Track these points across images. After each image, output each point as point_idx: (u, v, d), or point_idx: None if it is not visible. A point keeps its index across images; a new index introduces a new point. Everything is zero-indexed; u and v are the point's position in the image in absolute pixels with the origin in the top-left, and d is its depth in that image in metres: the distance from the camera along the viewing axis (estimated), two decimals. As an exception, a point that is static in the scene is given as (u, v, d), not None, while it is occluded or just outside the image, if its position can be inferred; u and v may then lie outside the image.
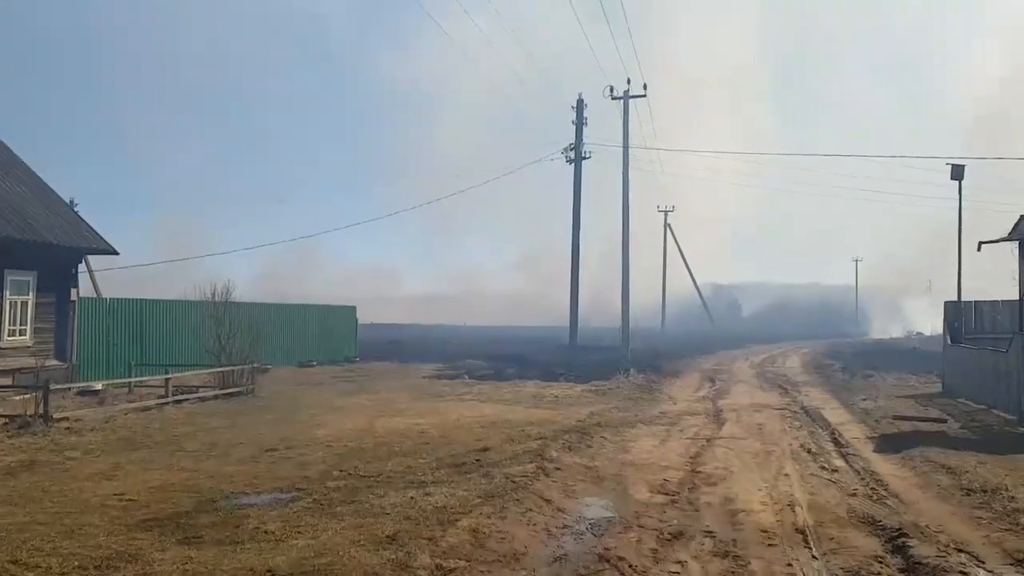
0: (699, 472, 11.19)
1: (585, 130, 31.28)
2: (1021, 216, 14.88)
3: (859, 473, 11.01)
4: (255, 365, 21.80)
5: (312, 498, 9.44)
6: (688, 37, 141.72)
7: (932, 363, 30.78)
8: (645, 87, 35.67)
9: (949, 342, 22.14)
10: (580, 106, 31.00)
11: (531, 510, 8.73)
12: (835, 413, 18.31)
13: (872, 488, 9.91)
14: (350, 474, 11.00)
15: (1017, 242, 15.82)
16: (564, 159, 31.08)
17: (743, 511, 8.89)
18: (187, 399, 19.31)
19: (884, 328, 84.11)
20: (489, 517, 8.22)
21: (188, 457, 12.35)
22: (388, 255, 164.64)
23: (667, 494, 9.88)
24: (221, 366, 21.40)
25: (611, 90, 34.99)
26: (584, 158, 31.01)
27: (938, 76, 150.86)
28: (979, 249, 16.46)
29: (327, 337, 35.40)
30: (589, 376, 25.32)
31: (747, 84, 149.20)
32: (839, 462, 11.96)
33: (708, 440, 14.05)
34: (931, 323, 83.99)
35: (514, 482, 9.95)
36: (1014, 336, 16.61)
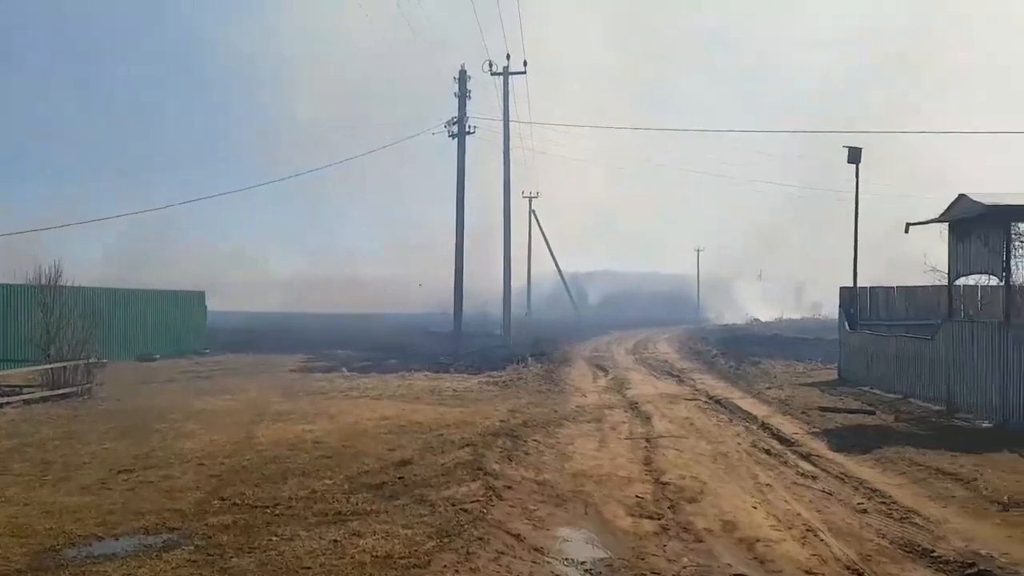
0: (667, 484, 9.52)
1: (469, 104, 29.23)
2: (960, 196, 14.09)
3: (844, 480, 9.68)
4: (91, 360, 18.46)
5: (193, 544, 7.12)
6: (561, 25, 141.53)
7: (806, 349, 31.07)
8: (525, 64, 34.00)
9: (847, 328, 21.72)
10: (463, 77, 28.92)
11: (503, 553, 6.76)
12: (750, 404, 17.26)
13: (880, 503, 8.54)
14: (237, 504, 8.68)
15: (947, 224, 15.11)
16: (447, 134, 28.94)
17: (759, 541, 7.26)
18: (8, 403, 15.92)
19: (721, 314, 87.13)
20: (457, 572, 6.15)
21: (15, 483, 9.60)
22: (252, 237, 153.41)
23: (651, 517, 8.13)
24: (50, 361, 17.99)
25: (490, 65, 33.11)
26: (468, 133, 28.95)
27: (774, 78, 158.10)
28: (907, 231, 15.74)
29: (172, 327, 31.67)
30: (481, 366, 23.46)
31: (615, 74, 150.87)
32: (807, 466, 10.64)
33: (648, 440, 12.48)
34: (765, 309, 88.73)
35: (465, 511, 7.91)
36: (941, 323, 16.03)
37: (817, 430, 13.53)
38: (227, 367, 25.86)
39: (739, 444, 12.25)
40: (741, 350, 31.44)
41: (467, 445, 11.34)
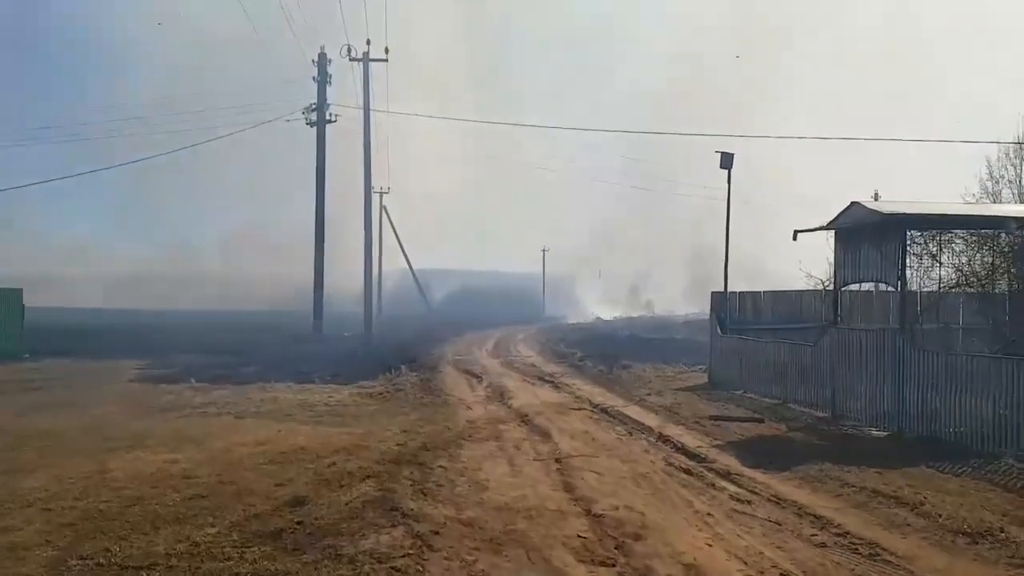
0: (602, 516, 8.68)
1: (330, 90, 27.42)
2: (853, 203, 14.16)
3: (782, 506, 9.20)
4: None
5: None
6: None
7: (669, 352, 31.48)
8: (387, 51, 32.54)
9: (719, 332, 21.85)
10: (323, 61, 27.08)
11: (462, 628, 5.61)
12: (638, 413, 16.86)
13: (836, 534, 8.06)
14: (102, 565, 7.16)
15: (834, 231, 15.21)
16: (305, 121, 27.00)
17: (738, 591, 6.50)
18: None
19: (565, 313, 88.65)
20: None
21: None
22: (89, 229, 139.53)
23: (604, 564, 7.25)
24: None
25: (349, 50, 31.40)
26: (330, 121, 27.15)
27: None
28: (795, 238, 15.77)
29: (-20, 328, 27.90)
30: (351, 374, 21.88)
31: (474, 69, 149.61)
32: (734, 488, 10.13)
33: (559, 461, 11.63)
34: (605, 308, 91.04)
35: (396, 570, 6.71)
36: (826, 328, 16.16)
37: (720, 443, 13.17)
38: (54, 375, 22.84)
39: (652, 462, 11.62)
40: (605, 352, 31.34)
41: (369, 477, 10.05)
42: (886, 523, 8.29)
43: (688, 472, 10.92)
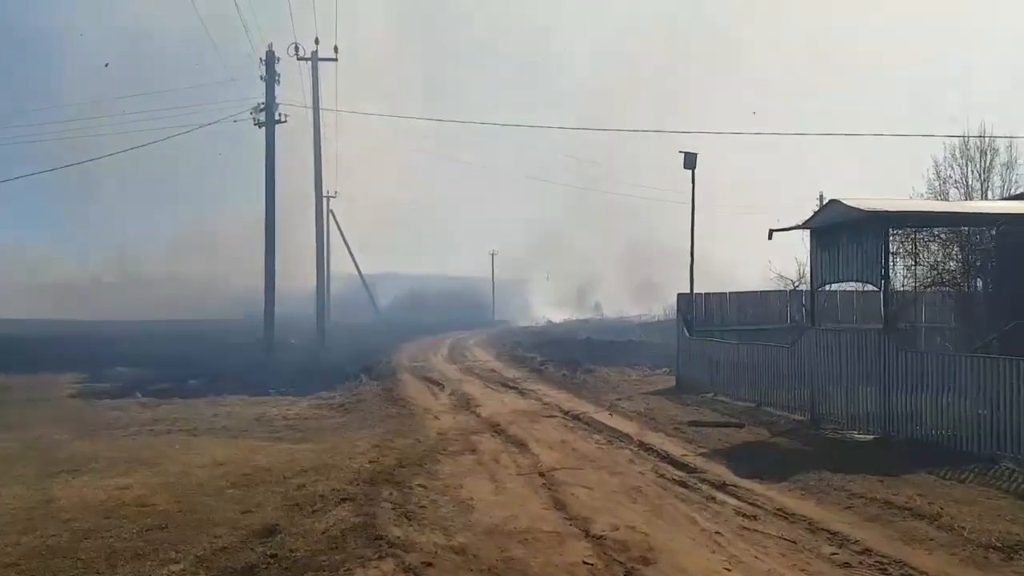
0: (603, 538, 8.05)
1: (279, 90, 26.33)
2: (831, 201, 13.84)
3: (791, 521, 8.67)
4: None
5: None
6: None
7: (630, 354, 31.05)
8: (336, 50, 31.61)
9: (687, 335, 21.46)
10: (270, 59, 26.01)
11: None
12: (611, 419, 16.29)
13: (857, 552, 7.55)
14: (55, 611, 6.24)
15: (809, 231, 14.87)
16: (252, 121, 25.88)
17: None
18: None
19: (515, 317, 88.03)
20: None
21: None
22: (19, 235, 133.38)
23: (619, 595, 6.59)
24: None
25: (297, 48, 30.39)
26: (279, 121, 26.08)
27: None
28: (770, 237, 15.40)
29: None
30: (307, 385, 20.91)
31: (425, 69, 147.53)
32: (736, 501, 9.58)
33: (543, 475, 10.97)
34: (555, 311, 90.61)
35: (394, 611, 5.97)
36: (804, 331, 15.81)
37: (705, 450, 12.66)
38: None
39: (642, 474, 11.05)
40: (565, 356, 30.81)
41: (345, 500, 9.25)
42: (907, 538, 7.81)
43: (683, 484, 10.35)
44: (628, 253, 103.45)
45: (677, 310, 22.52)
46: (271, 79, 25.82)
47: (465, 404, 18.92)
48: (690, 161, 22.06)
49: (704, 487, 10.20)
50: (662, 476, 10.87)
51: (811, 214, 15.19)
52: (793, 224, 15.21)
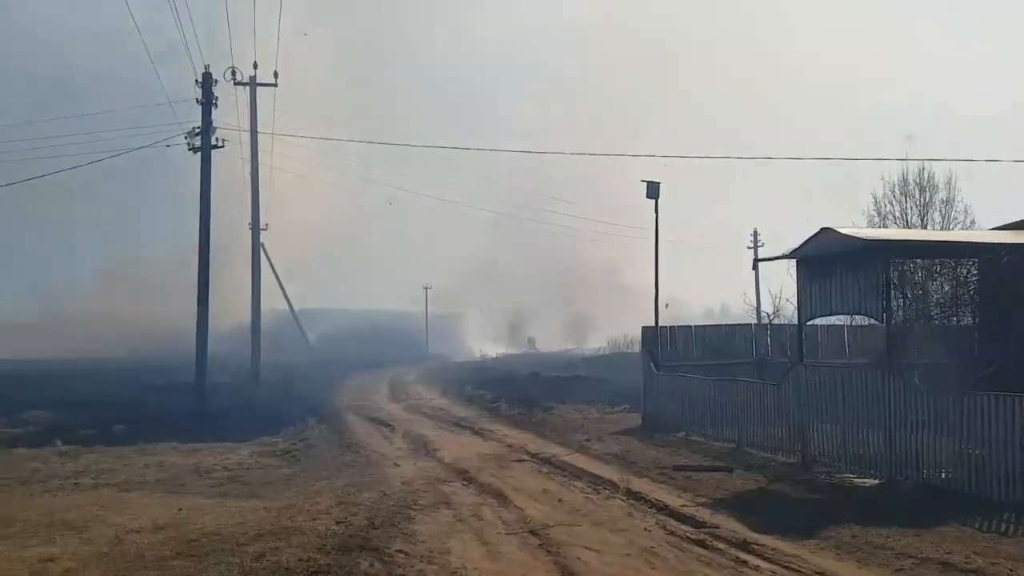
0: (634, 618, 6.80)
1: (217, 114, 24.69)
2: (823, 229, 13.05)
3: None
4: None
5: None
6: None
7: (581, 391, 29.82)
8: (276, 76, 30.16)
9: (654, 370, 20.48)
10: (207, 81, 24.38)
11: None
12: (589, 463, 15.15)
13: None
14: None
15: (795, 261, 14.08)
16: (187, 146, 24.15)
17: None
18: None
19: (451, 352, 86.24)
20: None
21: None
22: None
23: None
24: None
25: (234, 73, 28.85)
26: (216, 146, 24.41)
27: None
28: (755, 268, 14.57)
29: None
30: (246, 429, 19.12)
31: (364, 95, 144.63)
32: (767, 564, 8.47)
33: (537, 534, 9.71)
34: (490, 345, 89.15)
35: None
36: (792, 367, 14.95)
37: (705, 500, 11.56)
38: None
39: (648, 531, 9.87)
40: (515, 393, 29.47)
41: (316, 573, 7.79)
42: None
43: (700, 544, 9.18)
44: (561, 285, 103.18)
45: (642, 344, 21.56)
46: (208, 101, 24.17)
47: (423, 447, 17.51)
48: (652, 191, 21.27)
49: (724, 547, 9.05)
50: (672, 533, 9.70)
51: (793, 245, 14.36)
52: (778, 254, 14.39)
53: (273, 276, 67.27)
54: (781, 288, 19.98)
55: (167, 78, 27.56)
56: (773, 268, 16.71)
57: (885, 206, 39.08)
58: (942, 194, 38.15)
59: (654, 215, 21.24)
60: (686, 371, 20.44)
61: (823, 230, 13.26)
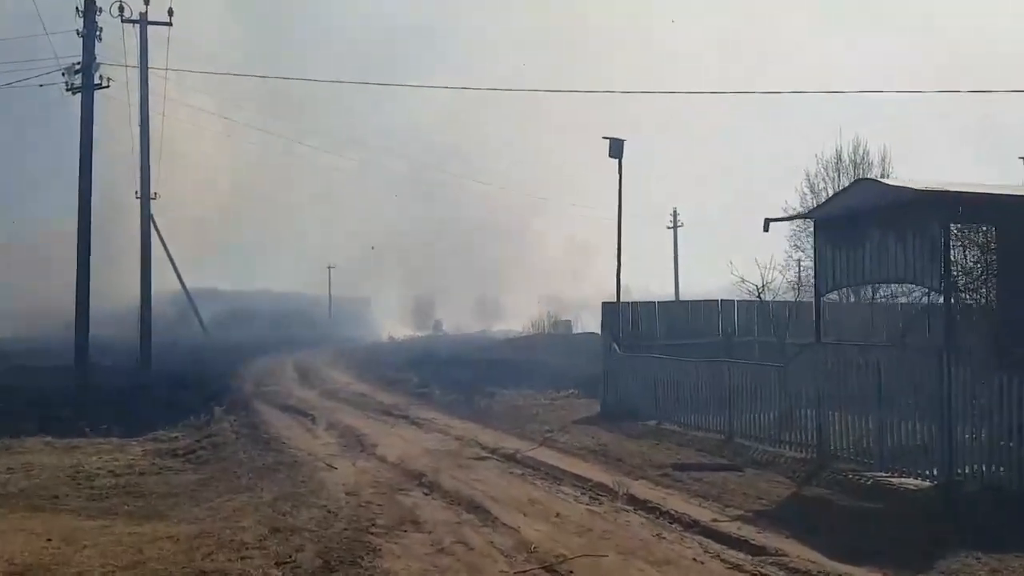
0: None
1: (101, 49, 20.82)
2: (858, 181, 10.97)
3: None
4: None
5: None
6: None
7: (516, 375, 27.10)
8: (171, 13, 26.27)
9: (617, 351, 18.15)
10: (91, 8, 20.52)
11: None
12: (562, 460, 12.77)
13: None
14: None
15: (813, 221, 11.90)
16: (65, 86, 20.27)
17: None
18: None
19: (354, 335, 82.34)
20: None
21: None
22: None
23: None
24: None
25: (121, 9, 24.83)
26: (100, 86, 20.59)
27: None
28: (766, 228, 12.29)
29: None
30: (135, 422, 15.76)
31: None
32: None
33: (552, 571, 7.12)
34: (398, 328, 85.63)
35: None
36: (805, 347, 12.79)
37: (741, 512, 9.22)
38: None
39: (701, 564, 7.45)
40: (445, 378, 26.73)
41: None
42: None
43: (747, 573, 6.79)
44: (471, 264, 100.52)
45: (602, 323, 19.20)
46: (91, 33, 20.31)
47: (357, 443, 14.67)
48: (616, 149, 18.94)
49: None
50: (736, 567, 7.27)
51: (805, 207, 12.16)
52: (791, 214, 12.17)
53: (164, 252, 62.28)
54: (771, 258, 17.95)
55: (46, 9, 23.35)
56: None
57: (819, 184, 38.12)
58: (876, 171, 37.40)
59: (618, 176, 18.89)
60: (649, 352, 18.27)
61: (858, 181, 11.14)
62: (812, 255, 14.97)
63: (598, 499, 10.08)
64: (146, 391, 20.14)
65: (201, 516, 8.77)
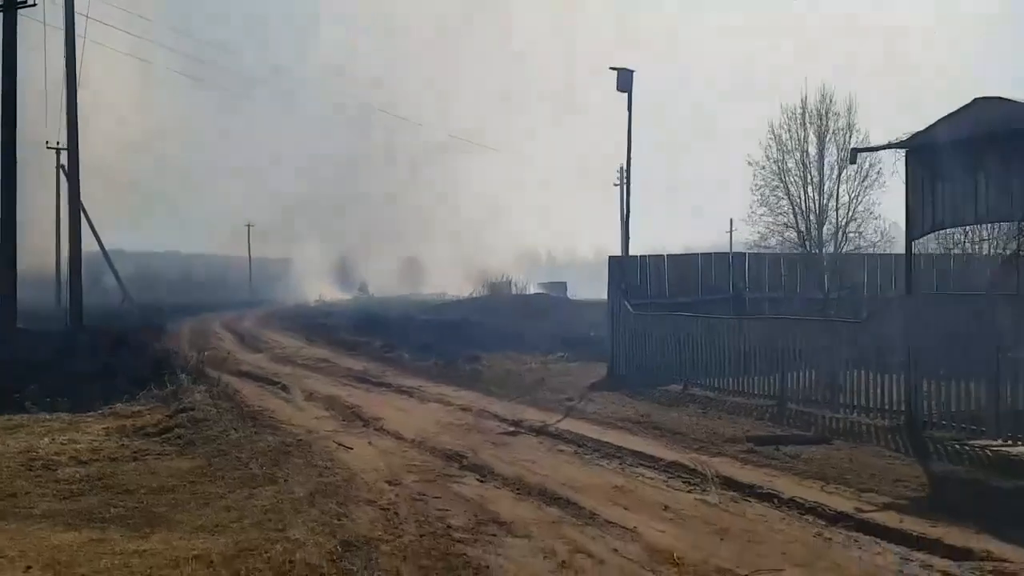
0: None
1: None
2: (977, 100, 9.36)
3: None
4: None
5: None
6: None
7: (486, 338, 24.99)
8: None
9: (629, 310, 16.45)
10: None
11: None
12: (602, 432, 11.18)
13: None
14: None
15: (905, 151, 10.31)
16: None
17: None
18: None
19: (279, 297, 78.70)
20: None
21: None
22: None
23: None
24: None
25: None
26: (23, 3, 17.47)
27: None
28: (853, 160, 10.69)
29: None
30: (85, 393, 13.30)
31: None
32: None
33: None
34: (326, 290, 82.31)
35: None
36: (889, 302, 11.27)
37: (892, 500, 7.56)
38: None
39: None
40: (411, 340, 24.60)
41: None
42: None
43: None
44: (398, 226, 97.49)
45: (609, 278, 17.39)
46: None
47: (354, 416, 12.63)
48: (624, 81, 17.07)
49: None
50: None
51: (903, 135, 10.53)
52: (885, 142, 10.53)
53: (81, 209, 57.56)
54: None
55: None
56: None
57: (783, 135, 36.87)
58: (842, 121, 36.33)
59: (627, 113, 17.00)
60: (657, 310, 16.68)
61: (978, 100, 9.47)
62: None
63: (692, 484, 8.35)
64: (85, 356, 17.46)
65: (221, 521, 6.65)
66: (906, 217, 10.72)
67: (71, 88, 23.40)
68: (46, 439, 10.19)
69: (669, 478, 8.63)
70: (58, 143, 52.12)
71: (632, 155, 17.58)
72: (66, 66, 23.13)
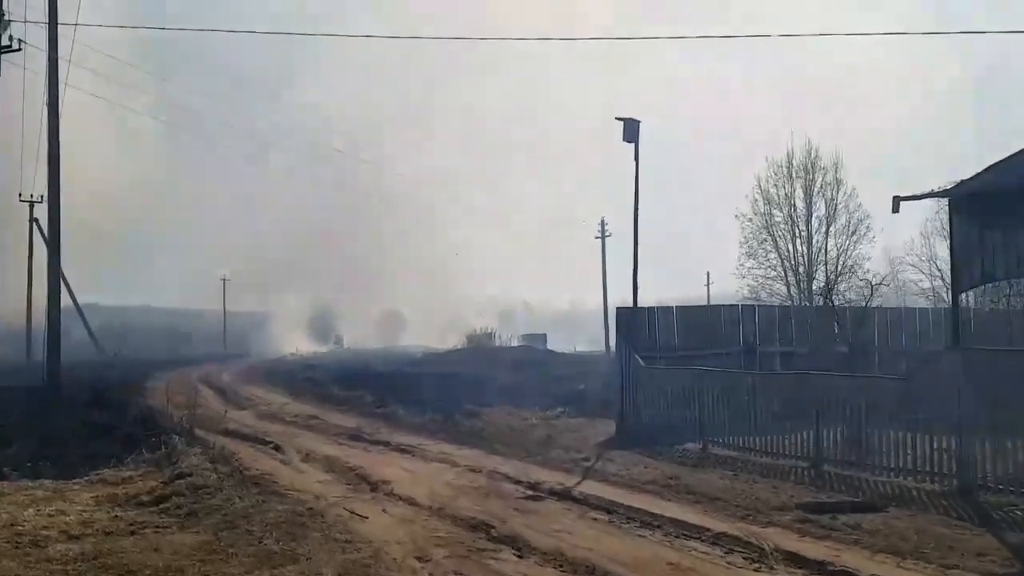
0: None
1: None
2: (1010, 156, 8.89)
3: None
4: None
5: None
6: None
7: (477, 391, 24.17)
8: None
9: (640, 363, 15.80)
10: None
11: None
12: (630, 496, 10.52)
13: None
14: None
15: (948, 200, 9.91)
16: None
17: None
18: None
19: (253, 350, 77.18)
20: None
21: None
22: None
23: None
24: None
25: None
26: (9, 48, 16.82)
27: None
28: (896, 209, 10.20)
29: None
30: (72, 460, 12.33)
31: None
32: None
33: None
34: (302, 343, 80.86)
35: None
36: (934, 357, 10.74)
37: None
38: None
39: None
40: (399, 394, 23.71)
41: None
42: None
43: None
44: (374, 279, 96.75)
45: (617, 330, 16.79)
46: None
47: (358, 479, 11.85)
48: (631, 132, 16.66)
49: None
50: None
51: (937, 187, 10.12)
52: (929, 191, 10.11)
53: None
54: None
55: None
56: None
57: (771, 189, 36.72)
58: (829, 175, 36.36)
59: (634, 163, 16.59)
60: (667, 363, 16.10)
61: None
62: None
63: (752, 559, 7.63)
64: (65, 416, 16.45)
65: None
66: (952, 268, 10.26)
67: (53, 137, 22.58)
68: (31, 510, 9.25)
69: (725, 553, 7.90)
70: (31, 196, 51.29)
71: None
72: (48, 113, 22.30)
